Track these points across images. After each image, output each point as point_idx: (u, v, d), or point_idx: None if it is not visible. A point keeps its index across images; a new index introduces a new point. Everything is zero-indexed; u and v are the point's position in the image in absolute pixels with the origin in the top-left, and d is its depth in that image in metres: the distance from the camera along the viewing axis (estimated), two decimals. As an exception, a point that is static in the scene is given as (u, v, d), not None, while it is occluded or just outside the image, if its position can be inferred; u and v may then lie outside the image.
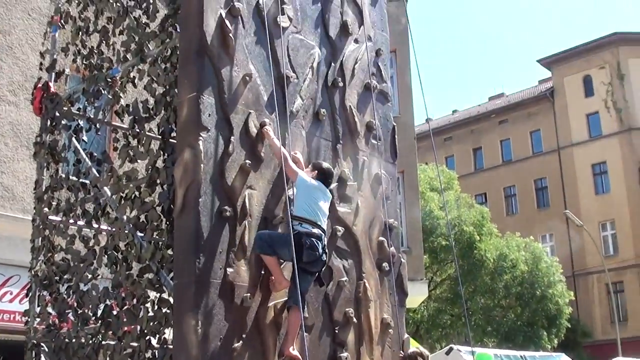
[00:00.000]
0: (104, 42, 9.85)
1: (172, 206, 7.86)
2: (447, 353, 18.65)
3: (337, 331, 8.75)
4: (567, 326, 39.46)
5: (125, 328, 8.27)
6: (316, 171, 8.23)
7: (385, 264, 9.55)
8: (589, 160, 53.06)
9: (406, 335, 9.78)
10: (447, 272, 37.28)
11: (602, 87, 53.02)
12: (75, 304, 9.17)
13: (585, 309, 50.08)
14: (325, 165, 8.44)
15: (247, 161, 8.04)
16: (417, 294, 25.40)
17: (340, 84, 9.59)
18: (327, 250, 8.03)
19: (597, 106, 53.11)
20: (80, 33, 10.24)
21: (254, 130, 8.23)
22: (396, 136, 10.39)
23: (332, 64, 9.60)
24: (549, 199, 55.22)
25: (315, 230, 7.79)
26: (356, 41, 10.02)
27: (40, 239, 9.84)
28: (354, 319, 8.91)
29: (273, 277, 7.92)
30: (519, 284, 37.62)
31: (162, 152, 8.38)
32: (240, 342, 7.53)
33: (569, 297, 39.37)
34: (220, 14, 8.21)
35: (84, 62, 10.09)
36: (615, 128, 52.32)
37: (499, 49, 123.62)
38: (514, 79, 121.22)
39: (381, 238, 9.63)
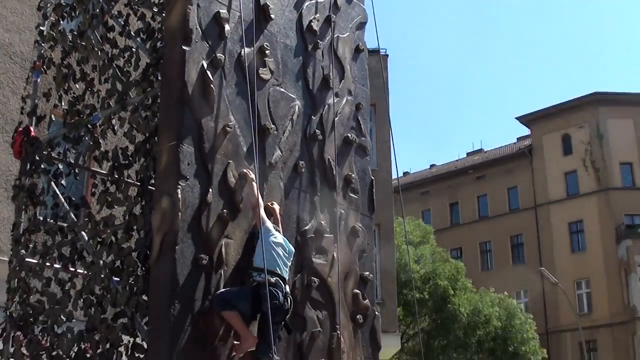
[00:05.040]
0: (85, 88, 9.95)
1: (148, 253, 7.92)
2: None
3: (309, 382, 8.78)
4: (540, 383, 39.42)
5: None
6: None
7: (359, 316, 9.61)
8: (565, 218, 53.35)
9: (377, 388, 9.82)
10: (421, 326, 37.21)
11: (580, 146, 53.48)
12: (50, 346, 9.15)
13: (559, 366, 50.08)
14: None
15: (225, 211, 8.12)
16: (390, 346, 25.37)
17: (320, 137, 9.70)
18: (290, 298, 8.04)
19: (576, 165, 53.54)
20: (63, 79, 10.33)
21: (232, 180, 8.32)
22: (374, 190, 10.49)
23: (312, 116, 9.72)
24: (525, 255, 55.38)
25: (274, 279, 7.82)
26: (337, 95, 10.15)
27: (16, 280, 9.83)
28: (327, 370, 8.94)
29: (239, 335, 7.89)
30: (492, 339, 37.60)
31: (140, 199, 8.45)
32: (213, 390, 7.56)
33: (542, 354, 39.38)
34: (202, 64, 8.34)
35: (65, 108, 10.17)
36: (593, 187, 52.70)
37: (478, 105, 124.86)
38: (492, 136, 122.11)
39: (356, 290, 9.70)
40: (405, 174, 65.22)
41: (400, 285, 32.55)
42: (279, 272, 7.96)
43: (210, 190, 8.05)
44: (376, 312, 9.98)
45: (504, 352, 37.56)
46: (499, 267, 55.58)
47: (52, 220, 9.76)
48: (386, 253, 27.84)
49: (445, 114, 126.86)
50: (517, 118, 57.79)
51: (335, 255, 9.45)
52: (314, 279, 9.10)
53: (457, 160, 64.84)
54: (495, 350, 37.73)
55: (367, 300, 9.80)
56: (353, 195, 10.06)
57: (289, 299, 8.00)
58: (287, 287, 8.08)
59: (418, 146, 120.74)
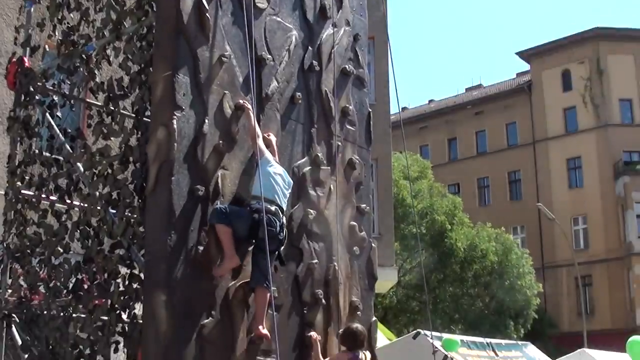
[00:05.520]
0: (80, 18, 9.81)
1: (144, 184, 7.87)
2: (414, 337, 18.71)
3: (305, 312, 8.82)
4: (534, 317, 39.89)
5: (96, 302, 8.30)
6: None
7: (355, 248, 9.63)
8: (564, 154, 53.41)
9: (374, 318, 9.88)
10: (417, 260, 37.52)
11: (580, 82, 53.28)
12: (47, 277, 9.19)
13: (554, 301, 50.57)
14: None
15: (221, 142, 8.07)
16: (386, 280, 25.57)
17: (317, 68, 9.60)
18: (285, 230, 8.04)
19: (575, 101, 53.40)
20: (56, 8, 10.19)
21: (228, 111, 8.25)
22: (371, 122, 10.43)
23: (309, 47, 9.59)
24: (522, 191, 55.63)
25: (273, 208, 7.80)
26: (334, 25, 10.00)
27: (12, 212, 9.82)
28: (323, 301, 8.98)
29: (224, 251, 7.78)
30: (488, 273, 37.98)
31: (136, 130, 8.39)
32: (210, 318, 7.58)
33: (538, 288, 39.80)
34: (198, -7, 8.20)
35: (60, 38, 10.04)
36: (592, 124, 52.67)
37: (477, 39, 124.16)
38: (492, 71, 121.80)
39: (352, 223, 9.70)
40: (403, 109, 65.02)
41: (398, 220, 32.70)
42: (278, 202, 7.95)
43: (206, 121, 7.98)
44: (373, 245, 10.00)
45: (500, 286, 37.96)
46: (496, 202, 55.87)
47: (47, 152, 9.71)
48: (383, 187, 27.87)
49: (444, 49, 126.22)
50: (516, 53, 57.55)
51: (332, 187, 9.43)
52: (311, 210, 9.08)
53: (455, 96, 64.61)
54: (491, 284, 38.13)
55: (363, 233, 9.81)
56: (350, 128, 10.00)
57: (284, 230, 8.00)
58: (284, 218, 8.07)
59: (416, 81, 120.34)
